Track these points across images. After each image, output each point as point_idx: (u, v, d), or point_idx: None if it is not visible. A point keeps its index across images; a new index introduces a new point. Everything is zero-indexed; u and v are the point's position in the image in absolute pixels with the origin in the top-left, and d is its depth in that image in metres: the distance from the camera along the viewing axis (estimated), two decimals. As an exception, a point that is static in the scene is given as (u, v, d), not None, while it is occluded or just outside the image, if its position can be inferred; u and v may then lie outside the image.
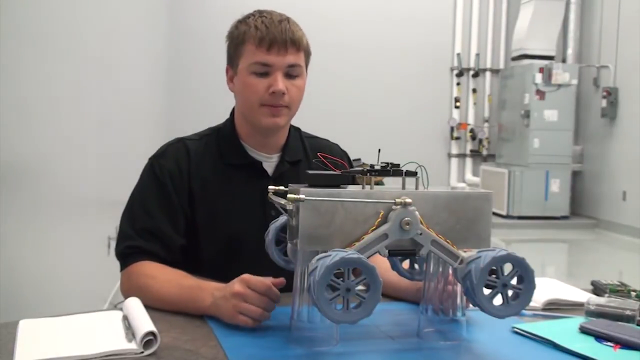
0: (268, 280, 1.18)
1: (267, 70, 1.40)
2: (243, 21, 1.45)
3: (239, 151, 1.49)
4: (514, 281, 1.03)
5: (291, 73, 1.42)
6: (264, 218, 1.40)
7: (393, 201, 1.03)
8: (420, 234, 1.03)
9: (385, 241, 1.02)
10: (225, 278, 1.38)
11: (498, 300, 1.03)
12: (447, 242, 1.06)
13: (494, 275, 1.02)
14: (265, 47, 1.39)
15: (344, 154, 1.62)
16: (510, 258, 1.02)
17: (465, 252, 1.07)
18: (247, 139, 1.50)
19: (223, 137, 1.51)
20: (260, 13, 1.44)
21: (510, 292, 1.03)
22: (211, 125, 1.57)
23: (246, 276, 1.18)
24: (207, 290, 1.23)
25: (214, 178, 1.46)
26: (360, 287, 0.97)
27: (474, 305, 1.04)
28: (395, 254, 1.07)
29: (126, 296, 1.36)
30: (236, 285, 1.17)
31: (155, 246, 1.38)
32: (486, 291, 1.02)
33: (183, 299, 1.26)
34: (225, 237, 1.43)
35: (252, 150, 1.50)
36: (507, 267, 1.03)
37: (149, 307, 1.19)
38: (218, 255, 1.43)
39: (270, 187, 1.19)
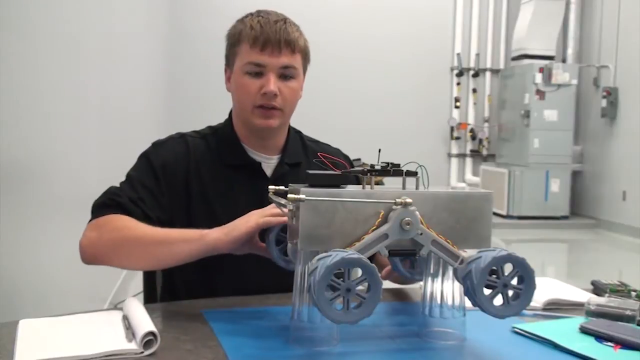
0: None
1: (261, 70, 1.39)
2: (241, 20, 1.44)
3: (238, 151, 1.48)
4: (514, 281, 1.03)
5: (285, 74, 1.40)
6: None
7: (393, 201, 1.03)
8: (421, 234, 1.03)
9: (385, 241, 1.02)
10: (223, 279, 1.37)
11: (498, 300, 1.03)
12: (448, 242, 1.05)
13: (494, 276, 1.02)
14: (259, 47, 1.37)
15: (346, 159, 1.60)
16: (510, 258, 1.02)
17: (465, 252, 1.07)
18: (245, 140, 1.49)
19: (222, 138, 1.50)
20: (258, 13, 1.43)
21: (510, 292, 1.03)
22: (211, 125, 1.56)
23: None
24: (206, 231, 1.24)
25: (213, 178, 1.45)
26: (360, 287, 0.97)
27: (474, 305, 1.04)
28: (395, 254, 1.07)
29: (88, 245, 1.31)
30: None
31: (137, 210, 1.35)
32: (486, 291, 1.02)
33: (174, 235, 1.25)
34: None
35: (251, 151, 1.49)
36: (508, 267, 1.03)
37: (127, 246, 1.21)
38: (215, 256, 1.39)
39: (270, 186, 1.19)
